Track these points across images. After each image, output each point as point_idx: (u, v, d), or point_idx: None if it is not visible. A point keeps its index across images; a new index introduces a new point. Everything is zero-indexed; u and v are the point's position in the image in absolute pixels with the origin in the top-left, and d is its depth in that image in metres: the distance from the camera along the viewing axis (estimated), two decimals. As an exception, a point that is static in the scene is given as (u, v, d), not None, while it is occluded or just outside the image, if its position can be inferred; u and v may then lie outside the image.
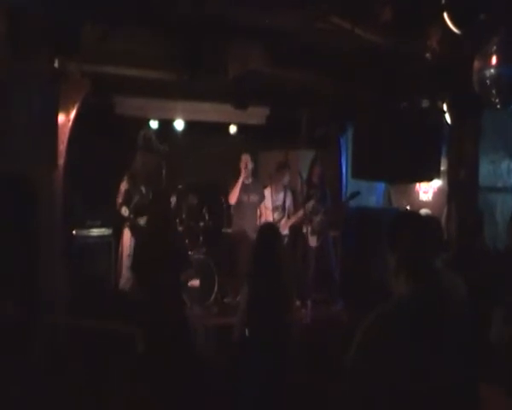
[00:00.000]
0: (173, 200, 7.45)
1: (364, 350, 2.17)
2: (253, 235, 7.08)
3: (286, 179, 7.70)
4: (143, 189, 7.16)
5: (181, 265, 5.45)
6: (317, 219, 7.61)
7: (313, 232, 7.64)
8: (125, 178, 7.13)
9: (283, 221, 7.66)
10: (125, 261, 7.04)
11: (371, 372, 2.11)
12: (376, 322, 2.20)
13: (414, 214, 3.05)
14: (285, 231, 7.60)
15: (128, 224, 7.09)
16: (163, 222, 5.39)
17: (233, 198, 7.52)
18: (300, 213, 7.55)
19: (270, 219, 7.48)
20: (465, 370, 2.17)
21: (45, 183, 5.85)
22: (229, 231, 8.01)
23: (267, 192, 7.62)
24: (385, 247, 2.32)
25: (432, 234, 2.40)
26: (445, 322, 2.21)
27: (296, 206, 7.83)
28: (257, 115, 8.77)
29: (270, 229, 4.90)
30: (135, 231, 7.04)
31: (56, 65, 5.26)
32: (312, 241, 7.66)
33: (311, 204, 7.58)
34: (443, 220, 6.20)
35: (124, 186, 7.09)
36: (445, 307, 2.26)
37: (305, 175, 7.82)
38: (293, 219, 7.69)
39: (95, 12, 4.82)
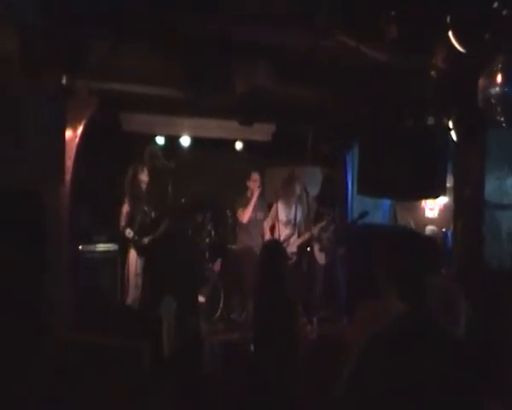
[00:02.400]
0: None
1: (358, 370, 2.17)
2: (258, 251, 7.09)
3: (298, 191, 7.68)
4: (146, 207, 7.17)
5: (196, 280, 5.46)
6: (326, 236, 7.61)
7: (322, 250, 7.63)
8: (125, 200, 7.15)
9: (293, 239, 7.65)
10: (132, 280, 7.04)
11: (363, 394, 2.11)
12: (369, 342, 2.20)
13: (406, 232, 3.06)
14: (293, 249, 7.59)
15: (133, 244, 7.10)
16: (179, 238, 5.42)
17: (246, 217, 7.54)
18: (308, 234, 7.53)
19: (282, 233, 7.47)
20: (460, 387, 2.16)
21: (52, 198, 5.88)
22: (235, 247, 8.01)
23: (277, 206, 7.60)
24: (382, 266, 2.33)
25: (422, 252, 2.39)
26: (436, 340, 2.20)
27: (305, 222, 7.80)
28: (263, 132, 8.80)
29: (274, 245, 4.91)
30: (140, 250, 7.05)
31: (64, 82, 5.31)
32: (321, 258, 7.65)
33: (320, 225, 7.58)
34: (449, 237, 6.20)
35: (125, 209, 7.11)
36: (433, 324, 2.26)
37: (311, 192, 7.82)
38: (301, 239, 7.66)
39: (102, 29, 4.87)
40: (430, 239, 4.36)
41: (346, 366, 2.21)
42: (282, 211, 7.59)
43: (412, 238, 2.52)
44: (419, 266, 2.31)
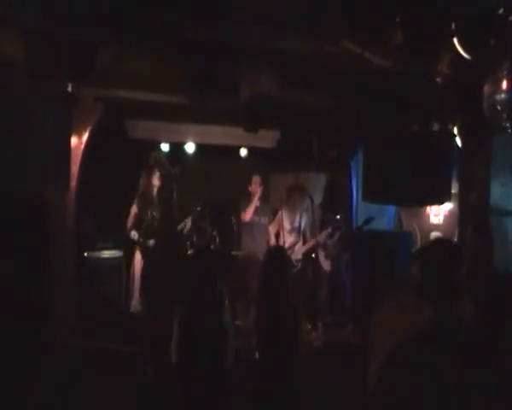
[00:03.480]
0: (188, 223, 7.52)
1: (391, 368, 2.18)
2: (262, 257, 7.07)
3: (305, 204, 7.63)
4: (154, 211, 7.20)
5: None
6: (331, 243, 7.60)
7: (327, 257, 7.62)
8: (135, 201, 7.18)
9: (297, 246, 7.63)
10: (137, 283, 7.07)
11: (395, 389, 2.12)
12: (406, 343, 2.21)
13: (441, 241, 3.07)
14: (298, 256, 7.58)
15: (138, 247, 7.12)
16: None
17: (248, 215, 7.53)
18: (313, 241, 7.51)
19: (287, 241, 7.46)
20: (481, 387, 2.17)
21: (58, 204, 5.89)
22: (239, 253, 8.00)
23: (282, 213, 7.59)
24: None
25: (453, 257, 2.42)
26: (462, 344, 2.21)
27: (310, 230, 7.78)
28: (268, 138, 8.80)
29: (278, 251, 4.91)
30: (145, 253, 7.07)
31: (70, 89, 5.33)
32: (326, 265, 7.64)
33: (325, 233, 7.57)
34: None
35: (134, 209, 7.13)
36: (459, 327, 2.27)
37: (316, 198, 7.81)
38: (306, 247, 7.65)
39: (108, 36, 4.88)
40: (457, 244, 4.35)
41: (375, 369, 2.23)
42: (286, 219, 7.58)
43: (444, 244, 2.54)
44: (451, 271, 2.32)
